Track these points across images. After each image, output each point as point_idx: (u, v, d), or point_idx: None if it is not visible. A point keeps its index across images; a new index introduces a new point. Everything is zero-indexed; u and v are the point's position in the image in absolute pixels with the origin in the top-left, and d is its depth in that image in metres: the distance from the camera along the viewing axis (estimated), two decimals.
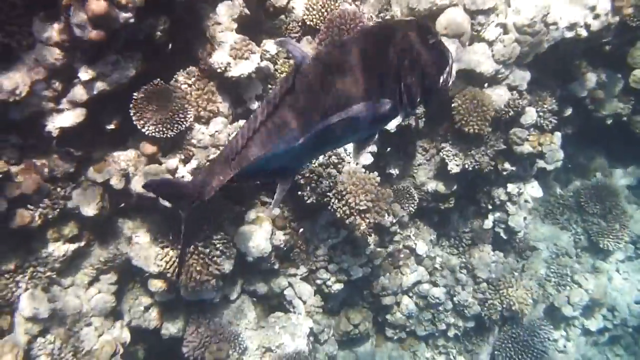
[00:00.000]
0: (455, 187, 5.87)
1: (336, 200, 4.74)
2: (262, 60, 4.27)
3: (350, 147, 4.64)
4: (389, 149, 5.48)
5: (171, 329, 4.89)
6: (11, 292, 3.95)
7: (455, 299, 6.25)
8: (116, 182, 4.04)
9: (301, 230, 5.20)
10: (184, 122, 3.97)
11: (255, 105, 4.46)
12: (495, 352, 6.37)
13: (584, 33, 5.36)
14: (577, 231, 7.03)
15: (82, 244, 4.23)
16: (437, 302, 6.21)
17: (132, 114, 3.81)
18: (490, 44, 5.16)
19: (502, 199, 6.10)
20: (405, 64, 2.19)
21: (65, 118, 3.61)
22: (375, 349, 6.38)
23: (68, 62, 3.45)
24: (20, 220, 3.71)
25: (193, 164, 4.13)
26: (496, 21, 5.11)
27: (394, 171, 5.67)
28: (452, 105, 5.26)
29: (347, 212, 4.68)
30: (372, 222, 4.71)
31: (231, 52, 4.05)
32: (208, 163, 3.95)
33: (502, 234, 6.35)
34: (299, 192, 4.83)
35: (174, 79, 4.10)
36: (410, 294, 6.21)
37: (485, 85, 5.34)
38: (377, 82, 2.19)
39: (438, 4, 4.91)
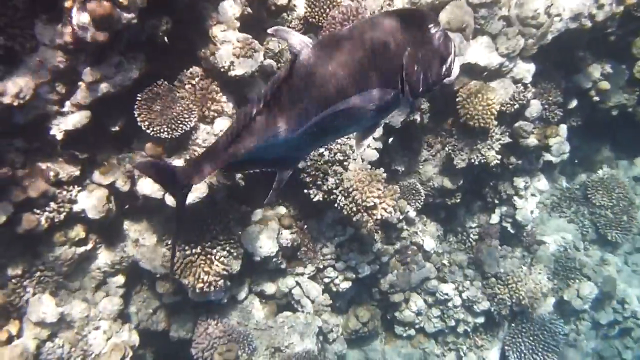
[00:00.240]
0: (461, 182, 5.84)
1: (342, 197, 4.71)
2: (265, 59, 4.24)
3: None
4: (393, 143, 5.45)
5: (180, 331, 4.88)
6: (19, 297, 3.94)
7: (464, 294, 6.22)
8: (122, 185, 4.04)
9: (307, 228, 5.18)
10: (189, 122, 3.95)
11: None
12: (506, 347, 6.32)
13: (588, 23, 5.33)
14: (585, 224, 7.00)
15: (89, 247, 4.21)
16: (445, 299, 6.18)
17: (136, 115, 3.80)
18: (494, 37, 5.13)
19: (509, 193, 6.07)
20: (408, 53, 2.17)
21: (70, 121, 3.60)
22: (384, 346, 6.35)
23: (71, 65, 3.44)
24: (27, 224, 3.69)
25: None
26: (499, 14, 5.07)
27: (400, 167, 5.65)
28: (457, 99, 5.24)
29: (354, 209, 4.66)
30: (378, 218, 4.68)
31: (234, 51, 4.03)
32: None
33: (509, 228, 6.32)
34: (305, 191, 4.81)
35: (177, 80, 4.08)
36: (419, 291, 6.18)
37: (485, 76, 5.30)
38: (379, 71, 2.17)
39: None
